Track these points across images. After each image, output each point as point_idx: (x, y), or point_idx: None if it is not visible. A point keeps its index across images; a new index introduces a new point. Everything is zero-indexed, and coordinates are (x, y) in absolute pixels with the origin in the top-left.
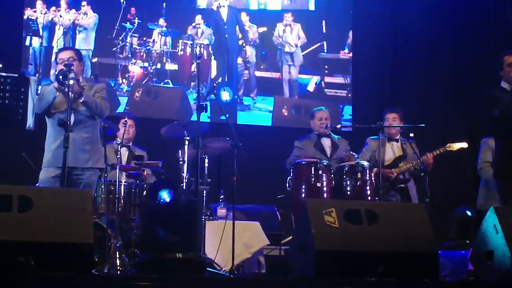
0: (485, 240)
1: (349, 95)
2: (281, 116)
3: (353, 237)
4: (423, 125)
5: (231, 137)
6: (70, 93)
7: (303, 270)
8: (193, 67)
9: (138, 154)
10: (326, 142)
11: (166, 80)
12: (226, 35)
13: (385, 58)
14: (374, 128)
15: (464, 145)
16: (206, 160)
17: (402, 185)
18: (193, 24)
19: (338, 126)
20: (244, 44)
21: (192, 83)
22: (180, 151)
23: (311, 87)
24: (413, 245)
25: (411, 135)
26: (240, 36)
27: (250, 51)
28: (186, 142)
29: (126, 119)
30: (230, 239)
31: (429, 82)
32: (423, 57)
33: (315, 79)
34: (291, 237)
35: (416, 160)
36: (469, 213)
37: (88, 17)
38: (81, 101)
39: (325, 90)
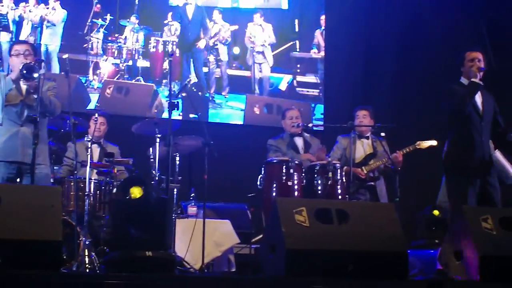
0: (453, 240)
1: (321, 94)
2: (253, 115)
3: (324, 236)
4: (393, 125)
5: (203, 135)
6: (29, 88)
7: (274, 269)
8: (165, 65)
9: (109, 151)
10: (299, 142)
11: (137, 77)
12: (189, 33)
13: (357, 58)
14: (346, 127)
15: (434, 143)
16: (177, 158)
17: (371, 183)
18: (165, 22)
19: (310, 125)
20: (216, 43)
21: (164, 81)
22: (151, 148)
23: (283, 86)
24: (383, 244)
25: (383, 134)
26: (203, 34)
27: (221, 49)
28: (157, 140)
29: (96, 116)
30: (200, 238)
31: (401, 81)
32: (395, 57)
33: (287, 78)
34: (261, 236)
35: (386, 158)
36: (436, 212)
37: (57, 13)
38: (36, 97)
39: (297, 89)
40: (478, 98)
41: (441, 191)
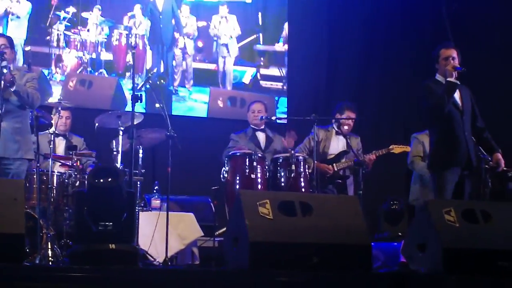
0: (417, 232)
1: (285, 87)
2: (217, 108)
3: (287, 228)
4: (356, 118)
5: (166, 128)
6: (2, 81)
7: (237, 262)
8: (128, 57)
9: (73, 144)
10: (261, 136)
11: (100, 70)
12: (161, 25)
13: (321, 51)
14: (309, 120)
15: (407, 149)
16: (141, 151)
17: (340, 181)
18: (130, 14)
19: (273, 117)
20: (179, 36)
21: (127, 73)
22: (114, 141)
23: (246, 79)
24: (347, 236)
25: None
26: (175, 28)
27: (187, 43)
28: (121, 133)
29: (60, 109)
30: (163, 231)
31: (365, 76)
32: (359, 51)
33: (250, 71)
34: (225, 229)
35: (358, 158)
36: (394, 206)
37: (21, 5)
38: (12, 90)
39: (261, 82)
40: (456, 94)
41: (412, 189)
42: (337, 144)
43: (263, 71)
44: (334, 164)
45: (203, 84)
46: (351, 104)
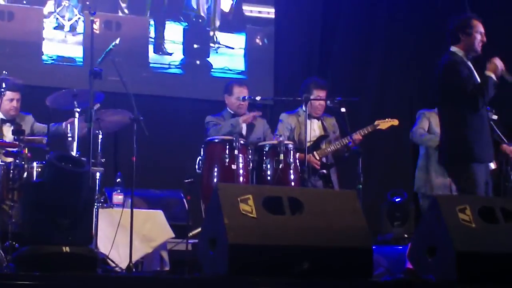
0: (426, 233)
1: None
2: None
3: (274, 229)
4: (356, 98)
5: (131, 109)
6: None
7: (215, 267)
8: None
9: (20, 128)
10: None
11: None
12: None
13: (314, 18)
14: (301, 101)
15: (395, 122)
16: (100, 136)
17: (324, 171)
18: None
19: (258, 98)
20: None
21: None
22: (69, 125)
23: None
24: (344, 238)
25: (343, 110)
26: None
27: None
28: (77, 115)
29: (4, 86)
30: (127, 231)
31: (364, 50)
32: (358, 22)
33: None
34: (200, 229)
35: (346, 138)
36: (399, 202)
37: None
38: None
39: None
40: (477, 76)
41: (418, 175)
42: (312, 129)
43: None
44: (314, 153)
45: None
46: (320, 81)
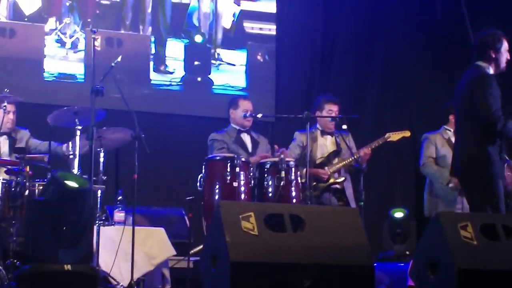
0: (428, 250)
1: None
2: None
3: (275, 246)
4: (356, 115)
5: (132, 126)
6: None
7: (216, 285)
8: None
9: (19, 146)
10: (246, 138)
11: None
12: None
13: (315, 36)
14: (302, 118)
15: (406, 134)
16: (102, 154)
17: (337, 186)
18: None
19: (259, 115)
20: None
21: None
22: (70, 143)
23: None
24: (345, 256)
25: (344, 127)
26: None
27: None
28: (78, 132)
29: (5, 103)
30: (129, 248)
31: (365, 66)
32: (358, 36)
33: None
34: (201, 247)
35: (351, 156)
36: (398, 215)
37: None
38: None
39: (245, 24)
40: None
41: (427, 199)
42: (325, 145)
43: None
44: (326, 168)
45: None
46: (330, 97)
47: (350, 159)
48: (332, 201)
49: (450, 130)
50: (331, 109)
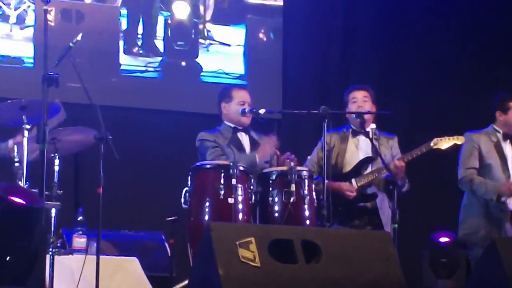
0: (481, 285)
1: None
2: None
3: (283, 281)
4: (389, 112)
5: (96, 125)
6: None
7: None
8: None
9: None
10: (245, 139)
11: None
12: None
13: (333, 8)
14: (316, 115)
15: (459, 140)
16: (57, 161)
17: (366, 204)
18: None
19: (262, 111)
20: None
21: None
22: (15, 146)
23: None
24: None
25: (372, 126)
26: None
27: None
28: (26, 133)
29: None
30: (92, 284)
31: (395, 52)
32: (389, 10)
33: None
34: (186, 282)
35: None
36: (443, 240)
37: None
38: None
39: None
40: None
41: (462, 218)
42: (356, 151)
43: None
44: (353, 180)
45: None
46: (357, 85)
47: (383, 170)
48: (361, 225)
49: (499, 132)
50: (354, 97)
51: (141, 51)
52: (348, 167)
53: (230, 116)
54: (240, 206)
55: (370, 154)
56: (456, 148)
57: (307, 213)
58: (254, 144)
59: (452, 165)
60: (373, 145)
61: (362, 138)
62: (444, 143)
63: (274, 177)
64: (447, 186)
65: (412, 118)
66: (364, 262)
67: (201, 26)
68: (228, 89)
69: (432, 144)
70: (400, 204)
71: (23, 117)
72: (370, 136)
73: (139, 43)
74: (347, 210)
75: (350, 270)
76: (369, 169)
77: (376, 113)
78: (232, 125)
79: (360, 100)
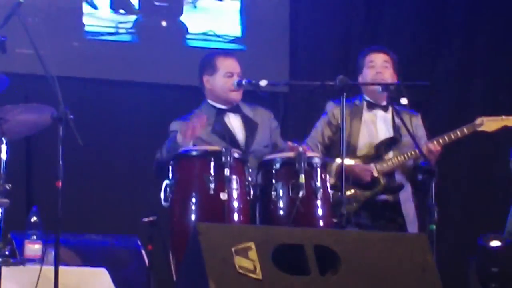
0: None
1: None
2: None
3: None
4: (426, 82)
5: (54, 102)
6: None
7: None
8: None
9: None
10: (234, 121)
11: None
12: None
13: None
14: (332, 87)
15: (510, 121)
16: (4, 148)
17: (387, 198)
18: None
19: (263, 82)
20: None
21: None
22: None
23: None
24: None
25: (404, 101)
26: None
27: None
28: None
29: None
30: None
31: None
32: None
33: None
34: None
35: (413, 148)
36: (494, 244)
37: None
38: None
39: None
40: None
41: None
42: (373, 127)
43: None
44: (372, 165)
45: None
46: (375, 47)
47: (411, 153)
48: (377, 223)
49: None
50: (372, 61)
51: (110, 8)
52: (363, 150)
53: (215, 92)
54: (235, 203)
55: (392, 135)
56: (507, 133)
57: (320, 211)
58: (250, 125)
59: (505, 152)
60: (408, 126)
61: (380, 112)
62: (492, 125)
63: (278, 165)
64: (499, 177)
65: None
66: (394, 273)
67: None
68: (210, 58)
69: (477, 123)
70: (439, 199)
71: None
72: (400, 113)
73: None
74: (361, 205)
75: (376, 283)
76: (390, 154)
77: (412, 84)
78: (217, 105)
79: (379, 65)
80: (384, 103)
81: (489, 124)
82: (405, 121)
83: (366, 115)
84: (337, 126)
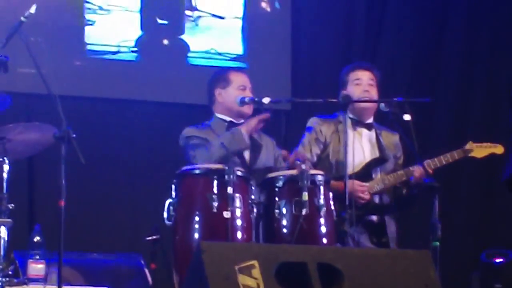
0: None
1: None
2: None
3: None
4: (427, 99)
5: (57, 121)
6: None
7: None
8: None
9: None
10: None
11: None
12: None
13: None
14: (336, 104)
15: (498, 149)
16: (6, 167)
17: (373, 217)
18: None
19: (266, 100)
20: None
21: None
22: None
23: None
24: None
25: (407, 117)
26: None
27: None
28: None
29: None
30: None
31: (435, 28)
32: None
33: None
34: None
35: (405, 172)
36: (497, 261)
37: None
38: None
39: None
40: None
41: None
42: (360, 146)
43: None
44: (364, 186)
45: None
46: (360, 63)
47: (399, 176)
48: (361, 240)
49: None
50: (358, 78)
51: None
52: (351, 169)
53: (227, 105)
54: (239, 221)
55: (377, 153)
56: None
57: (323, 228)
58: (254, 145)
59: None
60: (412, 142)
61: (365, 131)
62: (481, 152)
63: (281, 183)
64: (501, 193)
65: (456, 113)
66: None
67: None
68: (224, 72)
69: (467, 148)
70: (441, 216)
71: None
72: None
73: (110, 16)
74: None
75: None
76: (378, 174)
77: (412, 101)
78: (228, 119)
79: (365, 83)
80: (369, 120)
81: (478, 150)
82: (389, 140)
83: (351, 133)
84: (324, 143)
